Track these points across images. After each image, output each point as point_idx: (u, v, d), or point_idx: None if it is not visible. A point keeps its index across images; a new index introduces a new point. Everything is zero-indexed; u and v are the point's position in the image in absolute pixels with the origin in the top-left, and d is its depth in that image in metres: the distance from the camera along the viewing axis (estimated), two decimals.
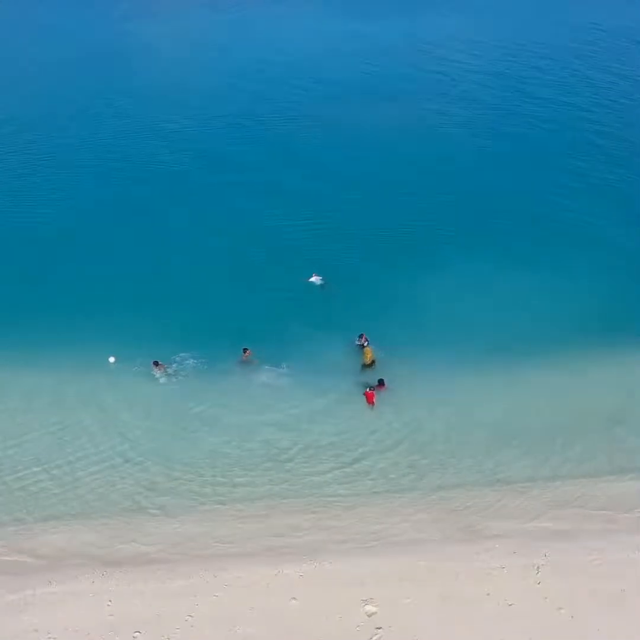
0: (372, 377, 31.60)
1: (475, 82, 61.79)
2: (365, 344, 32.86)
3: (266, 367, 32.28)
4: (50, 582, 23.34)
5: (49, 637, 21.57)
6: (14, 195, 46.74)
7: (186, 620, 21.94)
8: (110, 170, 49.30)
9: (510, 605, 22.25)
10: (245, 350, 32.77)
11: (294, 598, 22.59)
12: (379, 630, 21.44)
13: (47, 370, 32.34)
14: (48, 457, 28.63)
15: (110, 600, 22.70)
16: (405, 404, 30.73)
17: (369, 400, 30.50)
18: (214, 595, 22.79)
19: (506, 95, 59.09)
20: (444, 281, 37.22)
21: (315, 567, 23.80)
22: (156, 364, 32.22)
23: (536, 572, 23.30)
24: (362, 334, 33.15)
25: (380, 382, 31.02)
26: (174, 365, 32.49)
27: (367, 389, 30.73)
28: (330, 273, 37.55)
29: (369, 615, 21.90)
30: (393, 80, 62.14)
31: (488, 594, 22.65)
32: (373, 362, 32.41)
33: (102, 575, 23.57)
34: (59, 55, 69.47)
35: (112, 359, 32.81)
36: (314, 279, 37.25)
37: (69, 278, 38.17)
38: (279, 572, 23.62)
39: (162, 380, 32.09)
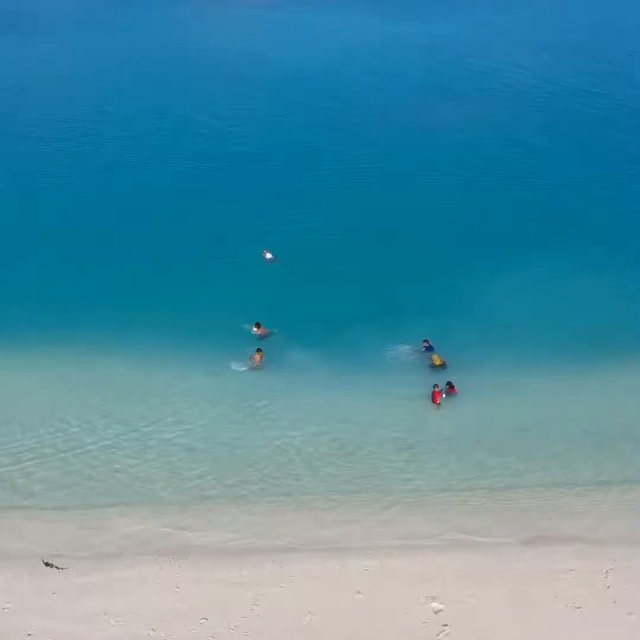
0: (440, 378, 31.43)
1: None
2: (427, 349, 32.86)
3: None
4: (119, 567, 23.78)
5: (118, 621, 21.90)
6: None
7: (252, 610, 22.12)
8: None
9: (578, 608, 21.94)
10: (258, 350, 32.49)
11: (360, 592, 22.60)
12: (446, 627, 21.34)
13: (119, 358, 33.16)
14: (120, 444, 29.13)
15: (177, 587, 22.98)
16: (470, 403, 30.56)
17: (435, 399, 30.35)
18: (280, 586, 22.93)
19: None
20: (509, 281, 37.24)
21: (380, 562, 23.78)
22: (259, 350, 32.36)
23: (605, 576, 22.97)
24: (425, 340, 33.09)
25: (450, 385, 30.85)
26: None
27: (435, 388, 30.55)
28: (394, 273, 37.92)
29: (436, 612, 21.81)
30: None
31: (555, 596, 22.37)
32: (442, 363, 32.31)
33: (170, 562, 23.89)
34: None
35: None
36: (267, 255, 38.73)
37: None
38: (343, 566, 23.67)
39: (240, 368, 32.28)
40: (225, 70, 67.22)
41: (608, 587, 22.58)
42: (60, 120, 57.10)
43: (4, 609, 22.07)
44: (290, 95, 60.99)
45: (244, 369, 32.34)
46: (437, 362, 32.23)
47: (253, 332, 33.53)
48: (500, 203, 45.06)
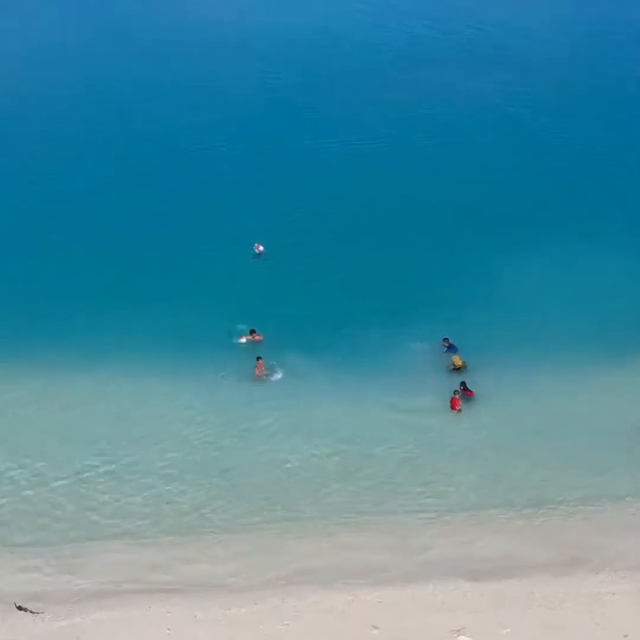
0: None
1: None
2: (449, 348, 30.36)
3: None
4: (102, 608, 21.04)
5: None
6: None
7: None
8: None
9: (625, 636, 19.26)
10: (258, 359, 29.71)
11: (375, 627, 19.93)
12: None
13: (92, 372, 30.29)
14: (98, 470, 26.20)
15: (169, 629, 20.32)
16: (489, 409, 28.06)
17: (454, 405, 27.91)
18: (284, 623, 20.28)
19: None
20: (527, 267, 34.59)
21: (396, 592, 21.14)
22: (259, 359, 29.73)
23: None
24: (446, 338, 30.57)
25: (465, 388, 28.42)
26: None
27: (455, 394, 28.15)
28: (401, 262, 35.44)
29: None
30: None
31: (597, 624, 19.82)
32: (464, 365, 29.73)
33: (160, 600, 21.21)
34: None
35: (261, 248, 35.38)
36: (259, 248, 35.95)
37: None
38: (355, 598, 21.01)
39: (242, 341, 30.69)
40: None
41: None
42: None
43: None
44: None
45: (244, 341, 30.91)
46: (459, 364, 29.76)
47: (246, 340, 30.86)
48: (516, 178, 41.72)
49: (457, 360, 29.77)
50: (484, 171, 42.14)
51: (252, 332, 30.79)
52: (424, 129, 46.23)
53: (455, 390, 28.27)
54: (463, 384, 28.48)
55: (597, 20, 57.65)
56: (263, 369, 29.53)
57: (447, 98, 49.07)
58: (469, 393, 28.31)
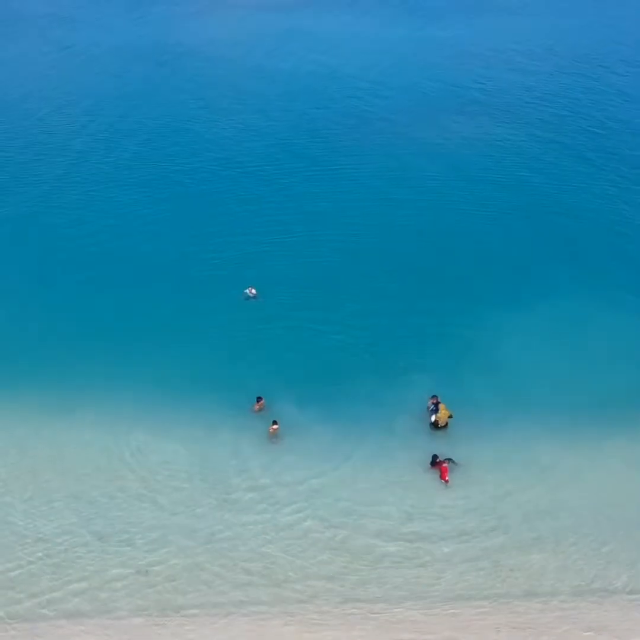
0: (446, 443, 27.75)
1: None
2: (436, 407, 28.92)
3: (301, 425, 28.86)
4: None
5: None
6: None
7: None
8: None
9: None
10: (258, 399, 29.48)
11: None
12: None
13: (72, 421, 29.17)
14: (61, 538, 24.70)
15: None
16: (484, 481, 26.64)
17: (443, 475, 26.61)
18: None
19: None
20: (524, 325, 33.67)
21: None
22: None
23: None
24: (434, 396, 29.25)
25: (439, 461, 26.98)
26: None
27: (440, 460, 26.85)
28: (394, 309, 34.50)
29: None
30: None
31: None
32: (447, 422, 28.62)
33: None
34: None
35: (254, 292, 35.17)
36: (250, 291, 35.57)
37: None
38: None
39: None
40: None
41: None
42: None
43: None
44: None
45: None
46: (443, 421, 28.55)
47: (258, 409, 29.78)
48: (516, 231, 41.10)
49: (442, 412, 28.50)
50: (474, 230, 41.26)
51: (259, 400, 29.74)
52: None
53: (435, 456, 27.03)
54: (435, 456, 27.10)
55: None
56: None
57: None
58: (444, 474, 26.64)
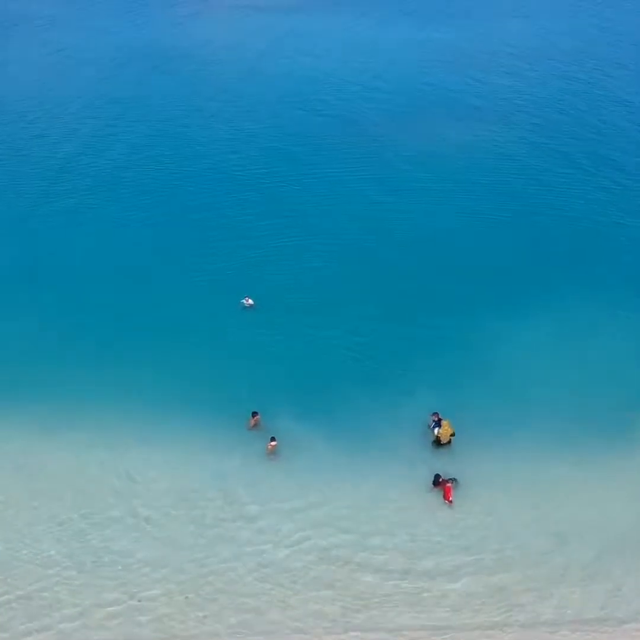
0: (449, 461, 26.92)
1: None
2: (437, 423, 28.07)
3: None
4: None
5: None
6: None
7: None
8: None
9: None
10: (254, 414, 28.60)
11: None
12: None
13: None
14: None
15: None
16: (489, 502, 25.83)
17: (447, 495, 25.77)
18: None
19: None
20: (528, 335, 32.92)
21: None
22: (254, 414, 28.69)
23: None
24: (435, 412, 28.43)
25: (442, 480, 26.11)
26: None
27: (443, 480, 25.98)
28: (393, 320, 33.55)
29: None
30: None
31: None
32: (450, 439, 27.82)
33: None
34: None
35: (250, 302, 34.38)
36: (246, 301, 34.84)
37: None
38: None
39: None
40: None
41: None
42: None
43: None
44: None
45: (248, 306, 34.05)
46: (445, 438, 27.72)
47: (254, 424, 28.88)
48: (518, 237, 40.14)
49: (445, 429, 27.67)
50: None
51: (254, 414, 28.86)
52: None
53: (438, 476, 26.19)
54: (438, 476, 26.27)
55: None
56: (257, 422, 28.58)
57: None
58: (448, 495, 25.77)
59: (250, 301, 34.93)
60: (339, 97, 57.69)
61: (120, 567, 23.59)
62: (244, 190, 44.73)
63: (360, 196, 44.11)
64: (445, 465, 26.74)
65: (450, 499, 25.66)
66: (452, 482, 25.98)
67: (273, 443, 27.70)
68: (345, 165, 47.48)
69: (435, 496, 25.88)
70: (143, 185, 45.57)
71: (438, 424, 28.03)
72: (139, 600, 22.72)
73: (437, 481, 26.11)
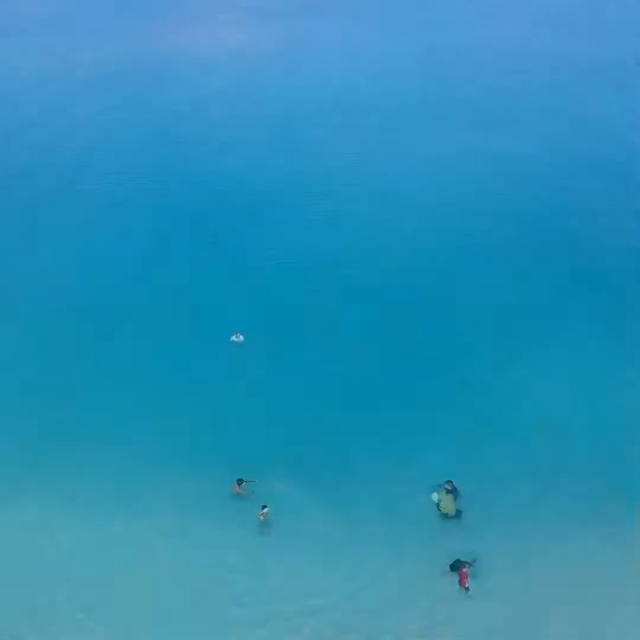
0: (461, 538, 24.41)
1: None
2: (450, 492, 25.84)
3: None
4: None
5: None
6: None
7: None
8: None
9: None
10: (239, 481, 26.38)
11: None
12: None
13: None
14: None
15: None
16: (508, 588, 23.42)
17: (463, 581, 23.37)
18: None
19: None
20: (542, 383, 30.47)
21: None
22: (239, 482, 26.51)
23: None
24: (449, 481, 26.11)
25: (466, 567, 23.73)
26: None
27: (463, 567, 23.58)
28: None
29: None
30: None
31: None
32: (456, 514, 25.49)
33: None
34: None
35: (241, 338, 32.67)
36: (237, 337, 33.06)
37: None
38: None
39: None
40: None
41: None
42: None
43: None
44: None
45: (239, 341, 32.45)
46: (448, 509, 25.48)
47: (241, 489, 26.58)
48: (530, 269, 37.24)
49: (447, 505, 25.53)
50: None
51: (239, 482, 26.57)
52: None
53: (459, 560, 23.80)
54: (467, 563, 23.79)
55: None
56: (242, 489, 26.42)
57: None
58: (464, 580, 23.47)
59: (241, 337, 33.07)
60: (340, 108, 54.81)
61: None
62: (232, 212, 42.01)
63: (359, 218, 41.29)
64: (456, 543, 24.47)
65: (467, 585, 23.33)
66: (468, 567, 23.61)
67: (265, 511, 25.56)
68: (344, 178, 44.85)
69: (451, 581, 23.50)
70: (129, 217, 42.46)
71: (452, 492, 25.71)
72: None
73: (456, 567, 23.72)
